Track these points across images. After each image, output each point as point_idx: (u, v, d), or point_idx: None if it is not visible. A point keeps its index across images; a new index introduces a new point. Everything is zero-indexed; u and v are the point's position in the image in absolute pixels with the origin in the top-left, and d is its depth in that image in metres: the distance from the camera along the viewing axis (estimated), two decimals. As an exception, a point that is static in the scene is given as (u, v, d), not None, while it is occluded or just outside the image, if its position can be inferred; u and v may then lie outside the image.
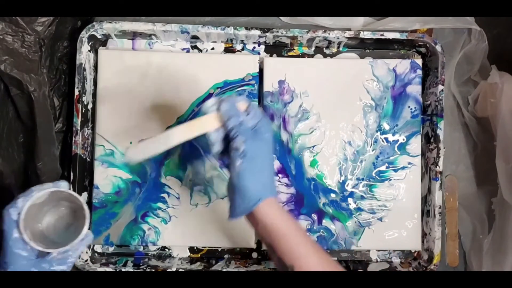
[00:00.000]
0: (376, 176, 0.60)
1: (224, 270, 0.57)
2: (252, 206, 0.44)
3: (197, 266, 0.58)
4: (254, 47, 0.62)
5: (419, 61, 0.61)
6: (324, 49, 0.62)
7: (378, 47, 0.62)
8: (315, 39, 0.59)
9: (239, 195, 0.44)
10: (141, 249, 0.60)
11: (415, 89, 0.60)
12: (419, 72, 0.60)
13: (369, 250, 0.61)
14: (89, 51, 0.58)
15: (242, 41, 0.61)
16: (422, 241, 0.60)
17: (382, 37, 0.59)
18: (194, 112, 0.59)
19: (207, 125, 0.45)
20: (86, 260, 0.57)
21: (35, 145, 0.54)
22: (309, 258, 0.44)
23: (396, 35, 0.59)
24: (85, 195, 0.58)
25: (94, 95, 0.59)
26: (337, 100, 0.60)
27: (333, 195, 0.59)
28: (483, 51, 0.60)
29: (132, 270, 0.57)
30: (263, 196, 0.44)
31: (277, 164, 0.59)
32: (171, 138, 0.45)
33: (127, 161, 0.48)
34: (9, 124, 0.54)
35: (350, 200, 0.59)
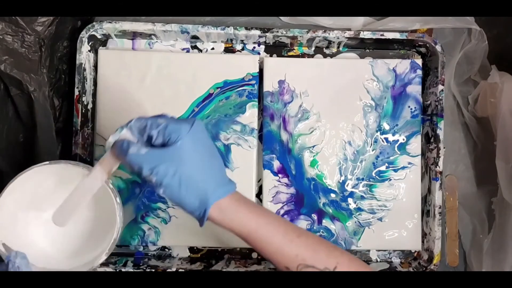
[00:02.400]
0: (376, 176, 0.60)
1: (224, 270, 0.57)
2: (201, 220, 0.41)
3: (197, 266, 0.58)
4: (254, 47, 0.62)
5: (419, 61, 0.61)
6: (324, 49, 0.62)
7: (378, 47, 0.62)
8: (315, 39, 0.59)
9: (188, 212, 0.42)
10: (141, 249, 0.60)
11: (415, 89, 0.60)
12: (419, 72, 0.60)
13: (369, 250, 0.61)
14: (89, 51, 0.58)
15: (242, 41, 0.61)
16: (422, 241, 0.60)
17: (382, 37, 0.59)
18: (194, 112, 0.59)
19: (111, 163, 0.44)
20: (86, 260, 0.57)
21: (35, 145, 0.54)
22: (284, 249, 0.41)
23: (396, 35, 0.59)
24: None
25: (94, 95, 0.59)
26: (337, 100, 0.60)
27: (333, 195, 0.59)
28: (483, 51, 0.60)
29: (132, 270, 0.57)
30: (205, 208, 0.40)
31: (277, 164, 0.59)
32: (87, 189, 0.45)
33: (58, 226, 0.47)
34: (9, 124, 0.54)
35: (350, 200, 0.59)
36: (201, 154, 0.40)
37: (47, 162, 0.47)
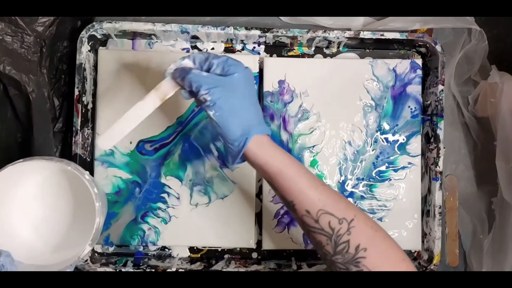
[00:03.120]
0: (376, 176, 0.60)
1: (224, 270, 0.57)
2: (238, 151, 0.44)
3: (197, 266, 0.58)
4: (254, 47, 0.62)
5: (419, 61, 0.61)
6: (324, 49, 0.62)
7: (378, 47, 0.62)
8: (315, 39, 0.59)
9: (226, 143, 0.45)
10: (141, 249, 0.60)
11: (415, 89, 0.60)
12: (419, 72, 0.60)
13: (369, 250, 0.61)
14: (89, 51, 0.58)
15: (242, 41, 0.61)
16: (422, 241, 0.60)
17: (382, 37, 0.59)
18: (194, 112, 0.59)
19: (167, 89, 0.46)
20: (86, 260, 0.57)
21: (31, 146, 0.54)
22: (308, 192, 0.43)
23: (396, 35, 0.59)
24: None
25: (94, 95, 0.59)
26: (337, 100, 0.60)
27: (333, 195, 0.59)
28: (483, 51, 0.60)
29: (132, 270, 0.57)
30: (247, 137, 0.43)
31: (277, 164, 0.59)
32: (137, 114, 0.46)
33: (103, 148, 0.51)
34: (7, 124, 0.54)
35: (350, 200, 0.59)
36: (251, 92, 0.45)
37: (21, 160, 0.47)
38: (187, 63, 0.45)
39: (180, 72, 0.45)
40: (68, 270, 0.47)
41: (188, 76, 0.44)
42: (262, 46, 0.62)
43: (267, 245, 0.59)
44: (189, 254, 0.60)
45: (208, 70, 0.44)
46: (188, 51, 0.61)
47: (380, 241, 0.43)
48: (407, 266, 0.43)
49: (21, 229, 0.52)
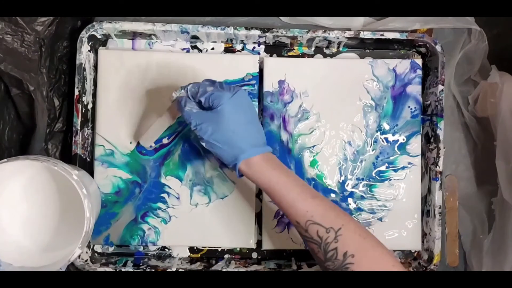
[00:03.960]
0: (376, 176, 0.60)
1: (224, 270, 0.57)
2: (236, 173, 0.48)
3: (197, 266, 0.58)
4: (254, 47, 0.62)
5: (419, 61, 0.61)
6: (324, 49, 0.62)
7: (378, 47, 0.62)
8: (315, 39, 0.59)
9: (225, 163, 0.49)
10: (141, 249, 0.60)
11: (415, 89, 0.60)
12: (419, 72, 0.60)
13: (369, 250, 0.61)
14: (89, 51, 0.58)
15: (242, 41, 0.61)
16: (422, 241, 0.60)
17: (382, 37, 0.59)
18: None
19: (174, 112, 0.52)
20: (86, 260, 0.57)
21: (33, 146, 0.54)
22: (297, 205, 0.47)
23: (396, 35, 0.59)
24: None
25: (94, 95, 0.59)
26: (337, 100, 0.60)
27: (333, 195, 0.59)
28: (483, 51, 0.60)
29: (132, 270, 0.57)
30: (235, 163, 0.47)
31: (277, 164, 0.59)
32: (160, 125, 0.55)
33: (146, 146, 0.57)
34: (10, 124, 0.54)
35: (350, 200, 0.59)
36: (239, 118, 0.47)
37: (5, 160, 0.47)
38: (184, 94, 0.50)
39: (177, 105, 0.50)
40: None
41: (182, 113, 0.49)
42: (262, 46, 0.62)
43: (267, 245, 0.59)
44: (189, 254, 0.60)
45: (200, 102, 0.48)
46: (188, 51, 0.61)
47: (369, 248, 0.45)
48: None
49: (9, 229, 0.52)
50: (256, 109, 0.51)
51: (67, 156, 0.58)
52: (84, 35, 0.57)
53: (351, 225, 0.46)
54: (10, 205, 0.53)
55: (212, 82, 0.49)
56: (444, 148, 0.58)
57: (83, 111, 0.58)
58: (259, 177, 0.48)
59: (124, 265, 0.58)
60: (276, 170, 0.48)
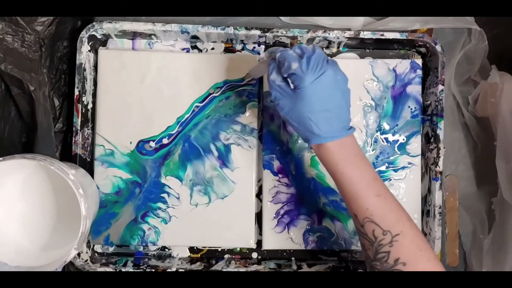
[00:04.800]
0: (376, 176, 0.59)
1: (224, 270, 0.57)
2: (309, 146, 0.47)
3: (197, 266, 0.58)
4: (254, 47, 0.62)
5: (419, 61, 0.61)
6: (324, 49, 0.62)
7: (378, 47, 0.62)
8: (315, 39, 0.59)
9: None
10: (141, 249, 0.60)
11: (415, 89, 0.60)
12: (419, 72, 0.60)
13: (369, 250, 0.61)
14: (89, 51, 0.58)
15: (242, 41, 0.61)
16: (422, 241, 0.59)
17: (382, 37, 0.58)
18: (194, 112, 0.59)
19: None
20: (86, 260, 0.57)
21: (34, 145, 0.54)
22: (358, 200, 0.45)
23: (396, 35, 0.59)
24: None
25: (94, 95, 0.59)
26: (337, 100, 0.60)
27: (333, 195, 0.59)
28: (483, 51, 0.60)
29: (132, 270, 0.57)
30: (308, 144, 0.47)
31: (277, 164, 0.59)
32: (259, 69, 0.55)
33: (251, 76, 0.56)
34: (11, 124, 0.54)
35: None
36: (316, 104, 0.45)
37: (1, 158, 0.47)
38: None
39: (266, 67, 0.48)
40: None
41: (267, 77, 0.48)
42: (262, 46, 0.62)
43: (267, 245, 0.59)
44: (189, 254, 0.60)
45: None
46: (188, 51, 0.61)
47: (422, 260, 0.44)
48: None
49: (5, 228, 0.52)
50: (348, 91, 0.48)
51: (67, 156, 0.58)
52: (84, 35, 0.57)
53: (410, 233, 0.44)
54: (7, 203, 0.53)
55: (302, 53, 0.45)
56: (444, 148, 0.58)
57: (83, 111, 0.58)
58: (326, 164, 0.47)
59: (124, 265, 0.58)
60: (345, 160, 0.46)
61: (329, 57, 0.47)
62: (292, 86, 0.45)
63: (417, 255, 0.44)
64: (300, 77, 0.44)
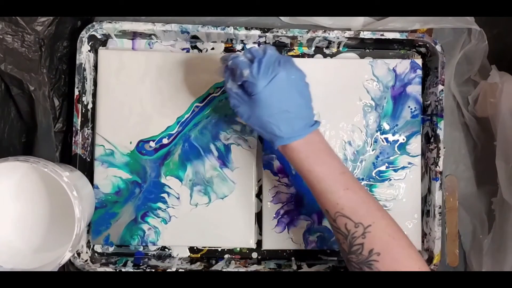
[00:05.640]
0: (376, 176, 0.60)
1: (224, 270, 0.57)
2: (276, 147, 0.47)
3: (197, 266, 0.58)
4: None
5: (419, 61, 0.61)
6: (324, 49, 0.62)
7: (378, 47, 0.62)
8: (315, 39, 0.59)
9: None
10: (141, 249, 0.60)
11: (415, 89, 0.60)
12: (419, 72, 0.60)
13: (369, 250, 0.61)
14: (89, 51, 0.58)
15: (242, 41, 0.61)
16: (422, 241, 0.60)
17: (382, 37, 0.58)
18: (194, 112, 0.59)
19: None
20: (86, 260, 0.57)
21: (34, 145, 0.54)
22: (327, 195, 0.46)
23: (396, 35, 0.59)
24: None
25: (94, 95, 0.59)
26: (337, 100, 0.60)
27: (333, 195, 0.59)
28: (483, 51, 0.60)
29: (132, 270, 0.57)
30: (273, 144, 0.47)
31: (277, 164, 0.59)
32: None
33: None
34: (10, 124, 0.54)
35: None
36: (274, 107, 0.45)
37: None
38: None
39: (223, 74, 0.48)
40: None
41: (224, 85, 0.48)
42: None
43: (267, 245, 0.59)
44: (189, 254, 0.60)
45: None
46: (188, 51, 0.61)
47: (397, 249, 0.44)
48: None
49: (0, 230, 0.52)
50: (308, 87, 0.47)
51: (67, 156, 0.58)
52: (84, 35, 0.57)
53: (382, 223, 0.45)
54: (1, 206, 0.53)
55: (253, 57, 0.45)
56: (444, 148, 0.58)
57: (83, 111, 0.58)
58: (293, 163, 0.47)
59: (124, 265, 0.58)
60: (311, 158, 0.46)
61: (283, 55, 0.46)
62: (247, 91, 0.45)
63: (390, 244, 0.44)
64: (253, 84, 0.44)
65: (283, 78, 0.44)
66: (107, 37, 0.60)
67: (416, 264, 0.44)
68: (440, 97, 0.58)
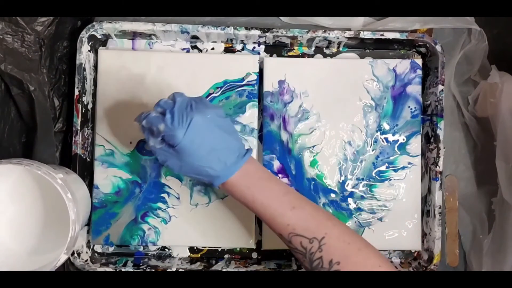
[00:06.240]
0: (376, 176, 0.60)
1: (224, 270, 0.57)
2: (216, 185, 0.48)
3: (197, 266, 0.58)
4: (254, 47, 0.62)
5: (419, 61, 0.61)
6: (324, 49, 0.62)
7: (378, 47, 0.62)
8: (315, 39, 0.59)
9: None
10: (141, 249, 0.60)
11: (415, 89, 0.60)
12: (419, 72, 0.60)
13: (369, 250, 0.61)
14: (89, 51, 0.58)
15: (242, 41, 0.61)
16: (422, 241, 0.60)
17: (382, 37, 0.59)
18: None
19: None
20: (86, 260, 0.57)
21: (34, 145, 0.54)
22: (277, 219, 0.46)
23: (396, 35, 0.59)
24: (85, 195, 0.58)
25: (94, 95, 0.59)
26: (337, 100, 0.60)
27: (333, 195, 0.59)
28: (483, 51, 0.60)
29: (132, 270, 0.57)
30: (213, 185, 0.47)
31: (277, 164, 0.59)
32: None
33: None
34: (10, 124, 0.54)
35: (350, 200, 0.59)
36: (200, 150, 0.45)
37: None
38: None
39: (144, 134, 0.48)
40: None
41: (147, 144, 0.48)
42: (262, 46, 0.62)
43: (267, 245, 0.59)
44: (189, 254, 0.60)
45: None
46: (188, 51, 0.61)
47: (353, 253, 0.45)
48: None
49: None
50: (228, 120, 0.48)
51: (67, 156, 0.58)
52: (84, 35, 0.57)
53: (334, 232, 0.45)
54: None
55: (163, 110, 0.45)
56: (444, 148, 0.58)
57: (83, 111, 0.58)
58: (236, 197, 0.48)
59: (124, 265, 0.58)
60: (251, 188, 0.47)
61: (191, 99, 0.46)
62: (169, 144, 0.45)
63: (347, 250, 0.45)
64: (172, 135, 0.44)
65: (199, 121, 0.44)
66: (107, 37, 0.60)
67: (375, 263, 0.45)
68: (440, 97, 0.58)
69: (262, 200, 0.47)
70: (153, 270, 0.57)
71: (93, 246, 0.59)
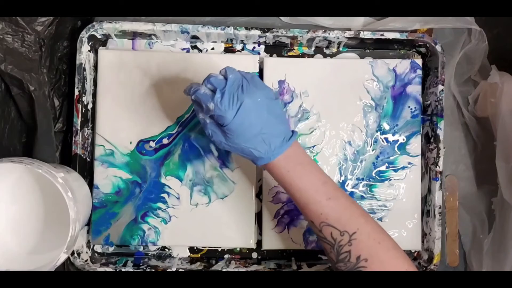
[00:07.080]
0: (376, 176, 0.60)
1: (224, 270, 0.57)
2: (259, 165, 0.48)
3: (197, 266, 0.58)
4: (254, 47, 0.62)
5: (419, 61, 0.61)
6: (324, 49, 0.62)
7: (378, 47, 0.62)
8: (315, 39, 0.59)
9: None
10: (141, 249, 0.60)
11: (415, 89, 0.60)
12: (419, 72, 0.60)
13: (369, 250, 0.61)
14: (89, 51, 0.58)
15: (242, 41, 0.61)
16: (422, 241, 0.60)
17: (382, 37, 0.59)
18: (194, 112, 0.59)
19: None
20: (86, 260, 0.57)
21: (34, 145, 0.54)
22: (311, 207, 0.47)
23: (396, 35, 0.59)
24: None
25: (94, 95, 0.59)
26: (337, 100, 0.60)
27: (333, 195, 0.59)
28: (483, 51, 0.60)
29: (132, 270, 0.57)
30: (255, 164, 0.48)
31: (277, 164, 0.59)
32: None
33: None
34: (11, 123, 0.54)
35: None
36: (247, 132, 0.45)
37: None
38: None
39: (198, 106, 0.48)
40: None
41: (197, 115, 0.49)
42: (262, 46, 0.62)
43: (267, 245, 0.59)
44: (189, 254, 0.60)
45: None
46: (188, 51, 0.61)
47: (383, 253, 0.45)
48: None
49: None
50: (277, 102, 0.48)
51: (67, 156, 0.58)
52: (84, 35, 0.57)
53: (366, 229, 0.46)
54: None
55: (214, 87, 0.45)
56: (444, 148, 0.58)
57: (83, 111, 0.58)
58: (276, 178, 0.48)
59: (124, 265, 0.58)
60: (291, 172, 0.47)
61: (243, 76, 0.46)
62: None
63: (376, 248, 0.45)
64: (221, 116, 0.44)
65: (249, 105, 0.44)
66: (107, 37, 0.60)
67: (404, 265, 0.45)
68: (440, 97, 0.58)
69: (300, 186, 0.47)
70: (153, 270, 0.57)
71: (93, 246, 0.59)
